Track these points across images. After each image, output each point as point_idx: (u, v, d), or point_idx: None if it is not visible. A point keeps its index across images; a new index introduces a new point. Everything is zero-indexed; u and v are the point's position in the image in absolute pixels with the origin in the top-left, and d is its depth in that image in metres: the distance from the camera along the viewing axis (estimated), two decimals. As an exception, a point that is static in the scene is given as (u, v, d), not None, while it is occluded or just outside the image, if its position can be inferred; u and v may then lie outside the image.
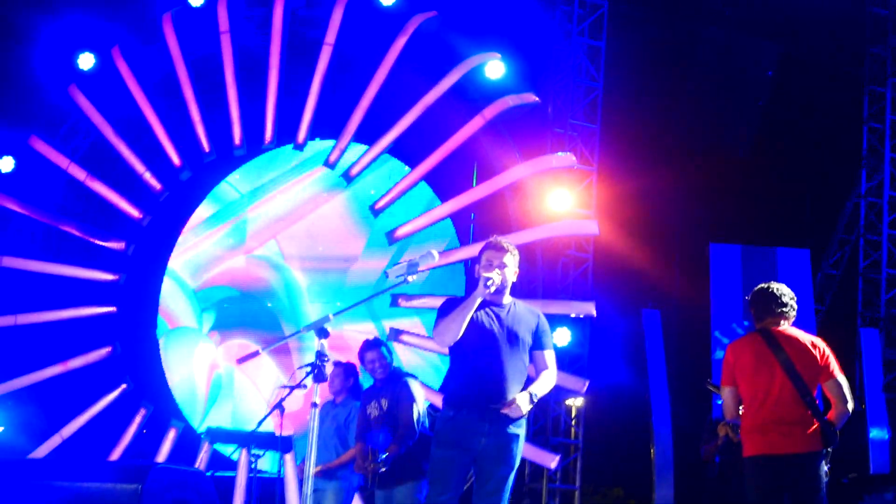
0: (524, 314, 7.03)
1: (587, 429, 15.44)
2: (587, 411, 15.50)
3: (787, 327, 7.38)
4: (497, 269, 6.90)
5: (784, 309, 7.40)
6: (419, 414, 8.84)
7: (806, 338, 7.32)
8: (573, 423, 15.46)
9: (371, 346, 9.53)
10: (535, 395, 6.83)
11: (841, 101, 17.38)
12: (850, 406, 7.21)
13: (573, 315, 14.93)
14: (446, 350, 6.94)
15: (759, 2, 16.80)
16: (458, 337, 6.74)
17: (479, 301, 6.80)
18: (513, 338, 6.88)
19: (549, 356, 7.05)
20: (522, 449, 6.94)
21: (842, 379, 7.24)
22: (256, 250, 16.62)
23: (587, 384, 14.53)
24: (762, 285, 7.55)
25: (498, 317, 6.90)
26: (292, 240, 16.63)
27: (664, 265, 17.04)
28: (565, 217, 15.13)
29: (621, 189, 15.99)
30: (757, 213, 17.12)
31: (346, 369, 9.98)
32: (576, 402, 15.34)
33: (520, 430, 6.84)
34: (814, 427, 7.10)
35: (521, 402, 6.72)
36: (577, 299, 15.15)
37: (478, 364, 6.78)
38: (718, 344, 15.84)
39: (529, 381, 6.88)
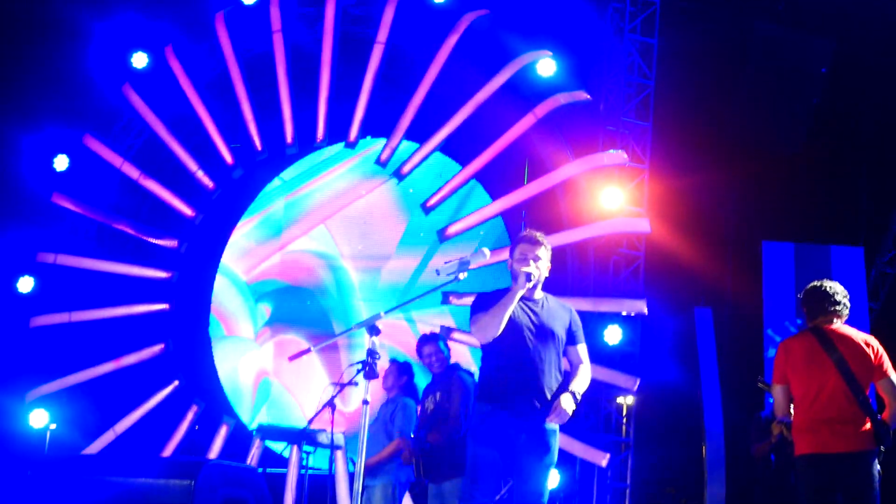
0: (557, 309, 7.05)
1: (638, 427, 15.39)
2: (638, 409, 15.45)
3: (840, 325, 7.35)
4: (533, 263, 6.89)
5: (837, 307, 7.38)
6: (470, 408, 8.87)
7: (859, 336, 7.29)
8: (624, 420, 15.41)
9: (428, 340, 9.63)
10: (578, 393, 6.84)
11: (894, 98, 17.20)
12: None
13: (624, 313, 14.87)
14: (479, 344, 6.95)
15: (812, -2, 16.69)
16: (500, 331, 6.73)
17: (520, 295, 6.80)
18: (548, 333, 6.91)
19: (583, 350, 7.12)
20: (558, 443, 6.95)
21: (894, 377, 7.20)
22: (302, 239, 16.65)
23: (638, 382, 14.49)
24: (815, 283, 7.54)
25: (533, 312, 6.92)
26: (341, 228, 16.66)
27: (716, 263, 16.94)
28: (617, 215, 15.08)
29: (673, 187, 15.90)
30: (810, 210, 16.97)
31: (400, 367, 10.08)
32: (627, 400, 15.28)
33: (556, 425, 6.86)
34: (866, 426, 7.07)
35: (566, 405, 6.73)
36: (629, 297, 15.09)
37: (515, 359, 6.81)
38: (771, 342, 15.73)
39: (564, 375, 6.89)
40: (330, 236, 16.58)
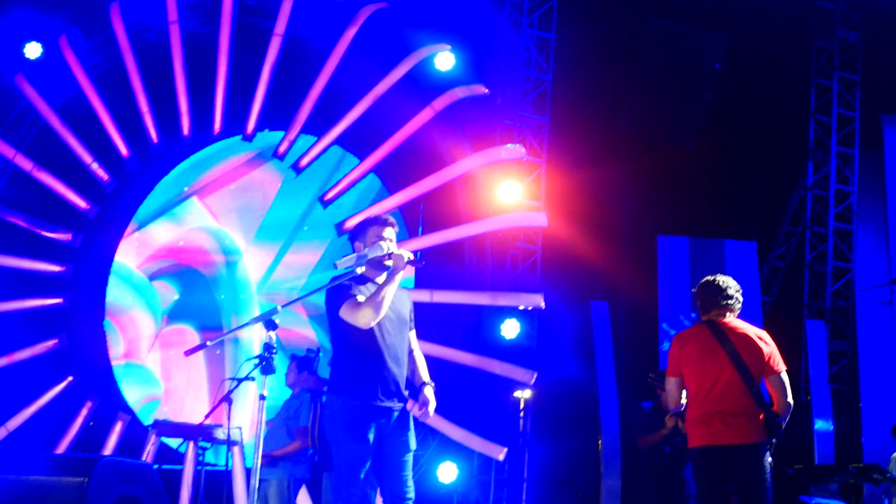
0: (402, 294, 7.07)
1: (535, 420, 15.50)
2: (535, 403, 15.56)
3: (732, 319, 7.46)
4: (393, 244, 6.91)
5: (730, 301, 7.49)
6: None
7: (752, 330, 7.41)
8: (521, 414, 15.50)
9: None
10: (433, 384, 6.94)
11: (788, 93, 17.48)
12: (791, 400, 7.30)
13: (522, 307, 14.97)
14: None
15: (707, -6, 16.89)
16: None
17: (400, 279, 6.82)
18: (402, 318, 6.96)
19: (415, 336, 7.17)
20: None
21: (784, 374, 7.32)
22: (196, 232, 16.55)
23: (535, 376, 14.61)
24: (708, 278, 7.65)
25: None
26: (236, 221, 16.58)
27: (612, 257, 17.09)
28: (514, 209, 15.18)
29: (570, 181, 16.02)
30: (705, 205, 17.19)
31: (300, 362, 10.09)
32: (524, 394, 15.38)
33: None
34: (758, 418, 7.18)
35: (432, 397, 6.86)
36: (526, 291, 15.17)
37: (378, 347, 6.77)
38: (666, 336, 15.92)
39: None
40: (224, 230, 16.46)
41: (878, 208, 17.00)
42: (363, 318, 6.61)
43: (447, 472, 14.39)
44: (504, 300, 14.98)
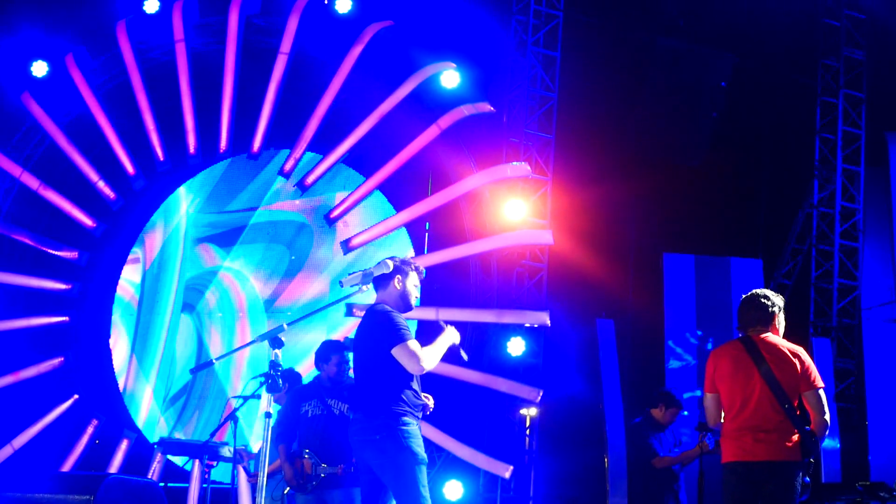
0: None
1: (541, 438, 15.48)
2: (541, 421, 15.53)
3: (770, 335, 7.41)
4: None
5: (765, 317, 7.44)
6: None
7: (786, 346, 7.35)
8: (527, 432, 15.48)
9: (336, 348, 9.62)
10: None
11: (794, 111, 17.50)
12: (828, 418, 7.25)
13: (527, 325, 14.96)
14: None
15: (713, 13, 16.88)
16: None
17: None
18: None
19: None
20: None
21: (821, 391, 7.27)
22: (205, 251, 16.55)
23: (541, 394, 14.59)
24: (750, 293, 7.61)
25: None
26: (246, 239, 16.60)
27: (618, 275, 17.10)
28: (520, 227, 15.17)
29: (576, 199, 16.02)
30: (710, 223, 17.20)
31: (285, 375, 10.03)
32: (530, 412, 15.36)
33: None
34: (792, 436, 7.12)
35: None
36: (532, 309, 15.16)
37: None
38: (672, 353, 15.92)
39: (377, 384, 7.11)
40: (232, 248, 16.47)
41: (883, 226, 17.00)
42: (418, 370, 7.03)
43: (453, 490, 14.35)
44: (510, 318, 14.98)
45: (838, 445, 15.59)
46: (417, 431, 7.03)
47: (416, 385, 7.12)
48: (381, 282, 7.28)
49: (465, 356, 7.38)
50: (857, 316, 16.71)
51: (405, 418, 6.96)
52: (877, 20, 17.29)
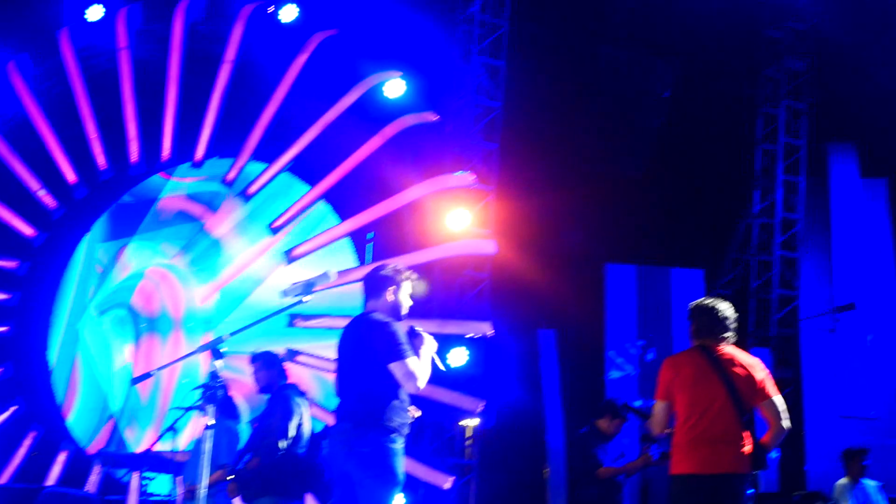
0: None
1: (482, 449, 15.51)
2: (482, 432, 15.57)
3: (726, 346, 7.43)
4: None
5: (727, 333, 7.47)
6: (295, 431, 8.80)
7: (745, 358, 7.38)
8: (468, 443, 15.52)
9: (254, 359, 9.56)
10: None
11: (735, 122, 17.66)
12: (787, 424, 7.27)
13: (469, 335, 14.99)
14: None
15: (656, 23, 16.98)
16: None
17: None
18: None
19: None
20: None
21: (778, 399, 7.30)
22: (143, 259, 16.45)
23: (483, 404, 14.62)
24: (707, 302, 7.57)
25: None
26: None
27: (561, 285, 17.13)
28: (463, 237, 15.23)
29: (519, 209, 16.07)
30: (652, 233, 17.32)
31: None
32: (471, 423, 15.40)
33: None
34: (746, 448, 7.16)
35: None
36: (474, 319, 15.21)
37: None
38: (612, 364, 16.01)
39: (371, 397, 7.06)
40: (171, 255, 16.40)
41: (823, 237, 17.19)
42: (414, 389, 6.94)
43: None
44: (452, 328, 15.00)
45: (776, 455, 15.72)
46: (402, 449, 6.95)
47: (404, 399, 7.03)
48: (373, 291, 7.19)
49: (442, 366, 7.30)
50: (795, 326, 16.88)
51: (394, 435, 6.90)
52: (819, 32, 17.44)
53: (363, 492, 6.89)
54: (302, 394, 9.38)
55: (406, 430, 7.01)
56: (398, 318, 7.16)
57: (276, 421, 9.00)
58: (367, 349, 6.97)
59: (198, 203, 16.38)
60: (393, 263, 7.34)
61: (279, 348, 15.08)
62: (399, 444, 6.91)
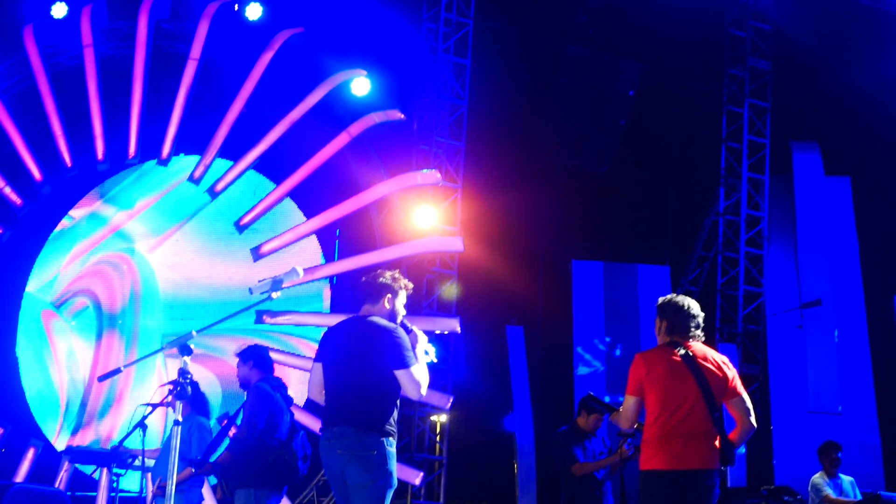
0: None
1: (451, 444, 15.52)
2: (451, 427, 15.59)
3: (697, 343, 7.45)
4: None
5: (697, 330, 7.49)
6: (265, 423, 8.77)
7: (715, 356, 7.40)
8: (437, 439, 15.53)
9: (237, 355, 9.53)
10: None
11: (700, 120, 17.77)
12: (753, 421, 7.31)
13: (438, 332, 15.00)
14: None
15: (621, 21, 17.08)
16: None
17: None
18: None
19: None
20: None
21: (745, 396, 7.34)
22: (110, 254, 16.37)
23: (451, 400, 14.63)
24: (676, 299, 7.55)
25: None
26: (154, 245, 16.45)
27: (528, 282, 17.23)
28: (430, 234, 15.25)
29: (486, 206, 16.13)
30: (619, 230, 17.42)
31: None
32: (440, 418, 15.42)
33: None
34: (716, 443, 7.19)
35: None
36: (442, 316, 15.24)
37: None
38: (580, 359, 16.06)
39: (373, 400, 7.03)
40: (141, 254, 16.34)
41: (788, 233, 17.31)
42: (417, 396, 6.96)
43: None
44: (420, 324, 14.86)
45: (744, 450, 15.82)
46: (395, 452, 6.94)
47: (398, 403, 7.05)
48: (371, 294, 7.14)
49: (434, 359, 7.31)
50: (762, 322, 16.98)
51: (391, 438, 6.91)
52: (782, 31, 17.58)
53: (363, 493, 6.89)
54: (281, 387, 9.34)
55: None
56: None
57: (246, 415, 8.98)
58: (372, 353, 6.92)
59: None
60: (390, 272, 7.31)
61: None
62: (394, 447, 6.89)
